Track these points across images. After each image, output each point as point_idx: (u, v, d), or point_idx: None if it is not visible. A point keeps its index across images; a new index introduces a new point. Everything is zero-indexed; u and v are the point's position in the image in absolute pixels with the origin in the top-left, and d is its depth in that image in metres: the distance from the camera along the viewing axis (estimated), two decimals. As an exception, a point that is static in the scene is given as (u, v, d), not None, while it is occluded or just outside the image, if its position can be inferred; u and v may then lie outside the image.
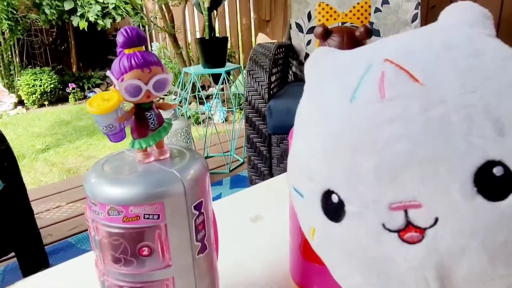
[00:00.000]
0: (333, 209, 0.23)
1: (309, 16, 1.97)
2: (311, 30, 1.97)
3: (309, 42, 1.96)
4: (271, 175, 1.67)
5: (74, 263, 0.50)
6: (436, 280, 0.21)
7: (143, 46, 0.29)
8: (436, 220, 0.20)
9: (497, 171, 0.19)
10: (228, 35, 3.99)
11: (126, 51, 0.29)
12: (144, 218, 0.28)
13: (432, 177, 0.20)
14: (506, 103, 0.20)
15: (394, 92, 0.21)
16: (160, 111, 0.32)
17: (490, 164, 0.19)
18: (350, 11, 0.29)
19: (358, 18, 0.30)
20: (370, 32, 0.34)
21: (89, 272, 0.40)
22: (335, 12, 0.30)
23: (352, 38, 0.35)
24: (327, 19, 0.32)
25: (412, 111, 0.20)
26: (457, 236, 0.20)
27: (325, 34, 0.35)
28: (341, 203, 0.23)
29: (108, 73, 0.29)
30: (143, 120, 0.30)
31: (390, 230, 0.21)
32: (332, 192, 0.23)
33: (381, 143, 0.21)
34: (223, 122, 2.98)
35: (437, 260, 0.20)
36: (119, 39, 0.28)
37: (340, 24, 0.31)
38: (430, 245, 0.20)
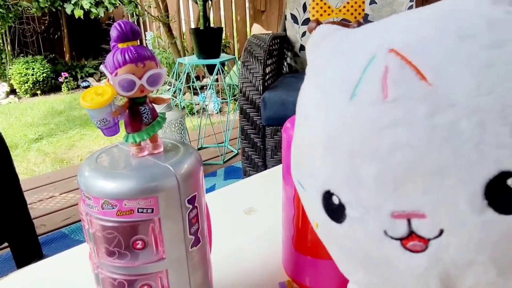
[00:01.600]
0: (334, 210, 0.23)
1: (304, 7, 1.96)
2: (306, 21, 1.96)
3: (304, 34, 1.95)
4: (265, 166, 1.68)
5: (68, 254, 0.51)
6: None
7: (137, 41, 0.29)
8: (441, 231, 0.19)
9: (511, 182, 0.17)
10: (222, 25, 3.96)
11: (120, 45, 0.29)
12: (138, 212, 0.28)
13: (438, 188, 0.18)
14: None
15: (398, 91, 0.19)
16: (154, 105, 0.32)
17: (504, 175, 0.17)
18: (344, 6, 0.29)
19: (351, 13, 0.29)
20: (364, 28, 0.34)
21: (82, 264, 0.40)
22: (329, 7, 0.30)
23: (346, 34, 0.35)
24: (321, 14, 0.32)
25: (417, 116, 0.18)
26: (463, 249, 0.19)
27: (319, 30, 0.35)
28: (341, 206, 0.22)
29: (101, 67, 0.29)
30: (137, 114, 0.30)
31: (392, 238, 0.20)
32: (333, 194, 0.22)
33: (383, 149, 0.19)
34: (218, 113, 2.97)
35: (441, 271, 0.20)
36: (113, 33, 0.28)
37: (334, 19, 0.31)
38: (434, 256, 0.19)
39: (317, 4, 0.36)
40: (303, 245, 0.41)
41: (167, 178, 0.29)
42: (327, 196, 0.23)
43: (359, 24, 0.34)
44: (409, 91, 0.19)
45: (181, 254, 0.31)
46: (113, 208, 0.28)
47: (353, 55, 0.22)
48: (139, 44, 0.29)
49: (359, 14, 0.35)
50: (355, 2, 0.35)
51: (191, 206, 0.31)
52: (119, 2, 4.15)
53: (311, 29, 0.35)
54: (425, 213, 0.19)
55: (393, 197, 0.19)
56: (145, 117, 0.31)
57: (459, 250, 0.19)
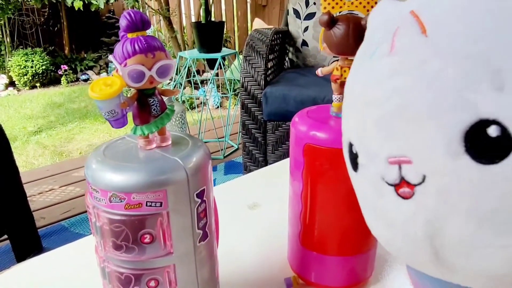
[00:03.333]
0: (352, 159, 0.25)
1: (307, 2, 1.95)
2: (308, 16, 1.95)
3: (306, 29, 1.94)
4: (265, 161, 1.67)
5: (71, 247, 0.50)
6: (426, 238, 0.21)
7: (147, 31, 0.29)
8: (424, 177, 0.20)
9: (493, 131, 0.17)
10: (223, 19, 3.94)
11: (129, 35, 0.28)
12: (146, 205, 0.28)
13: (420, 133, 0.19)
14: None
15: (400, 45, 0.21)
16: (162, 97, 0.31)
17: (484, 123, 0.17)
18: None
19: (364, 6, 0.29)
20: (376, 21, 0.33)
21: (86, 257, 0.40)
22: (341, 0, 0.29)
23: (358, 27, 0.34)
24: (333, 7, 0.31)
25: (410, 64, 0.20)
26: (443, 197, 0.19)
27: (331, 22, 0.34)
28: (356, 155, 0.24)
29: (110, 57, 0.29)
30: (146, 106, 0.30)
31: (388, 184, 0.21)
32: (352, 144, 0.24)
33: (382, 96, 0.21)
34: (218, 107, 2.96)
35: (425, 219, 0.20)
36: (122, 22, 0.28)
37: (346, 13, 0.30)
38: (419, 203, 0.20)
39: (328, -4, 0.35)
40: (310, 241, 0.41)
41: (176, 172, 0.29)
42: (350, 147, 0.25)
43: (372, 17, 0.33)
44: (410, 43, 0.20)
45: (189, 248, 0.31)
46: (121, 202, 0.28)
47: (388, 20, 0.23)
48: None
49: (372, 7, 0.35)
50: (368, -5, 0.34)
51: (199, 200, 0.30)
52: (119, -5, 4.11)
53: (323, 21, 0.35)
54: (411, 158, 0.20)
55: (388, 142, 0.21)
56: (154, 109, 0.30)
57: (439, 198, 0.19)
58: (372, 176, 0.22)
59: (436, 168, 0.19)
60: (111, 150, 0.31)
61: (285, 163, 0.75)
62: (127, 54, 0.28)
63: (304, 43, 1.95)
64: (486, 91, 0.17)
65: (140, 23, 0.28)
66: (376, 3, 0.35)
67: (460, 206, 0.19)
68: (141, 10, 4.32)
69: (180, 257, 0.31)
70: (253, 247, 0.50)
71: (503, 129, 0.17)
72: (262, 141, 1.65)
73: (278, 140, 1.62)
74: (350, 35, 0.34)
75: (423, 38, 0.20)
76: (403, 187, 0.21)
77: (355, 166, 0.25)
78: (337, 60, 0.37)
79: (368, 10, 0.35)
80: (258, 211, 0.58)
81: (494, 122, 0.17)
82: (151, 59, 0.28)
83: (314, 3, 1.94)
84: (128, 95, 0.30)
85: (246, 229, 0.54)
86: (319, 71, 0.39)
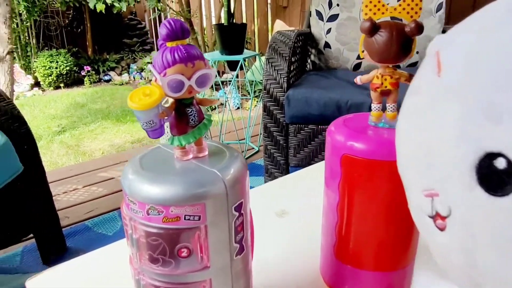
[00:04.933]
0: None
1: (330, 4, 1.93)
2: (331, 18, 1.92)
3: (329, 31, 1.92)
4: (287, 164, 1.66)
5: (101, 253, 0.50)
6: (464, 267, 0.21)
7: (186, 39, 0.28)
8: (450, 209, 0.20)
9: (500, 164, 0.17)
10: (244, 21, 3.94)
11: (169, 44, 0.27)
12: (184, 219, 0.27)
13: (441, 166, 0.20)
14: (503, 86, 0.18)
15: (421, 84, 0.22)
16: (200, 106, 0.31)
17: (491, 156, 0.18)
18: (400, 4, 0.27)
19: (408, 12, 0.27)
20: (421, 28, 0.32)
21: (117, 264, 0.40)
22: (383, 5, 0.28)
23: (401, 34, 0.33)
24: (375, 13, 0.29)
25: (424, 104, 0.22)
26: (467, 229, 0.20)
27: (373, 29, 0.33)
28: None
29: (149, 67, 0.28)
30: (184, 116, 0.29)
31: (428, 216, 0.22)
32: None
33: (410, 133, 0.23)
34: (237, 109, 2.96)
35: (459, 250, 0.20)
36: (162, 31, 0.27)
37: (388, 19, 0.29)
38: (452, 234, 0.21)
39: (370, 2, 0.34)
40: (345, 254, 0.40)
41: (215, 184, 0.28)
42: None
43: (417, 24, 0.32)
44: (427, 83, 0.22)
45: (225, 263, 0.30)
46: (159, 214, 0.27)
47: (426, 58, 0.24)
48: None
49: (416, 13, 0.33)
50: (412, 0, 0.33)
51: (237, 214, 0.29)
52: (141, -3, 4.17)
53: (365, 28, 0.33)
54: (438, 191, 0.21)
55: (424, 175, 0.22)
56: (192, 119, 0.29)
57: (464, 230, 0.20)
58: (415, 207, 0.24)
59: (458, 200, 0.20)
60: (148, 160, 0.30)
61: (312, 170, 0.73)
62: (166, 64, 0.27)
63: (327, 45, 1.93)
64: (486, 124, 0.18)
65: (180, 32, 0.27)
66: (420, 9, 0.33)
67: (483, 237, 0.19)
68: (162, 12, 4.37)
69: (216, 271, 0.30)
70: (283, 257, 0.49)
71: (509, 161, 0.17)
72: (283, 144, 1.63)
73: (300, 143, 1.61)
74: (393, 42, 0.33)
75: (437, 78, 0.21)
76: (437, 219, 0.21)
77: None
78: (377, 68, 0.36)
79: (411, 16, 0.33)
80: (286, 219, 0.57)
81: (500, 154, 0.18)
82: (191, 68, 0.27)
83: (338, 5, 1.92)
84: (165, 104, 0.30)
85: (275, 238, 0.53)
86: (358, 79, 0.37)
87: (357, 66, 1.93)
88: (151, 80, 0.28)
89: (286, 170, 1.68)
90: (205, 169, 0.29)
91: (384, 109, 0.37)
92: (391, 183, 0.34)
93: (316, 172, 0.69)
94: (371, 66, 1.92)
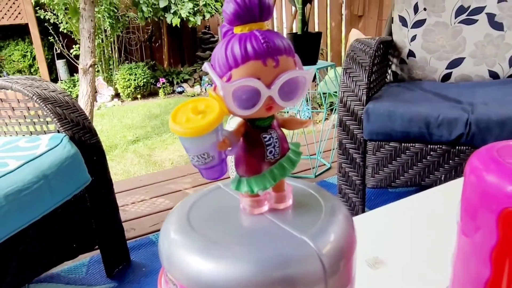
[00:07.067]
0: None
1: (416, 8, 1.74)
2: (417, 24, 1.73)
3: (413, 38, 1.73)
4: (363, 185, 1.49)
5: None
6: None
7: (265, 23, 0.17)
8: None
9: None
10: (317, 30, 3.83)
11: (237, 29, 0.17)
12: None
13: None
14: None
15: None
16: (279, 131, 0.19)
17: None
18: None
19: None
20: None
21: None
22: None
23: None
24: None
25: None
26: None
27: None
28: None
29: (206, 65, 0.18)
30: (258, 146, 0.18)
31: None
32: None
33: None
34: (308, 122, 2.84)
35: None
36: (228, 8, 0.16)
37: None
38: None
39: None
40: None
41: (306, 263, 0.16)
42: None
43: None
44: None
45: None
46: (212, 311, 0.16)
47: None
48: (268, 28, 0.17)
49: None
50: None
51: (340, 311, 0.18)
52: (215, 11, 4.26)
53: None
54: None
55: None
56: (270, 151, 0.18)
57: None
58: None
59: None
60: (200, 212, 0.20)
61: (416, 200, 0.59)
62: (232, 61, 0.16)
63: (411, 53, 1.74)
64: None
65: (257, 9, 0.16)
66: None
67: None
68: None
69: None
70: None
71: None
72: (360, 162, 1.47)
73: (380, 162, 1.44)
74: None
75: None
76: None
77: None
78: None
79: None
80: (381, 272, 0.44)
81: None
82: (273, 68, 0.16)
83: (425, 9, 1.73)
84: (228, 125, 0.19)
85: (368, 300, 0.40)
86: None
87: (446, 77, 1.71)
88: (207, 87, 0.18)
89: (362, 192, 1.52)
90: (289, 234, 0.17)
91: None
92: None
93: (422, 204, 0.55)
94: (464, 76, 1.69)
